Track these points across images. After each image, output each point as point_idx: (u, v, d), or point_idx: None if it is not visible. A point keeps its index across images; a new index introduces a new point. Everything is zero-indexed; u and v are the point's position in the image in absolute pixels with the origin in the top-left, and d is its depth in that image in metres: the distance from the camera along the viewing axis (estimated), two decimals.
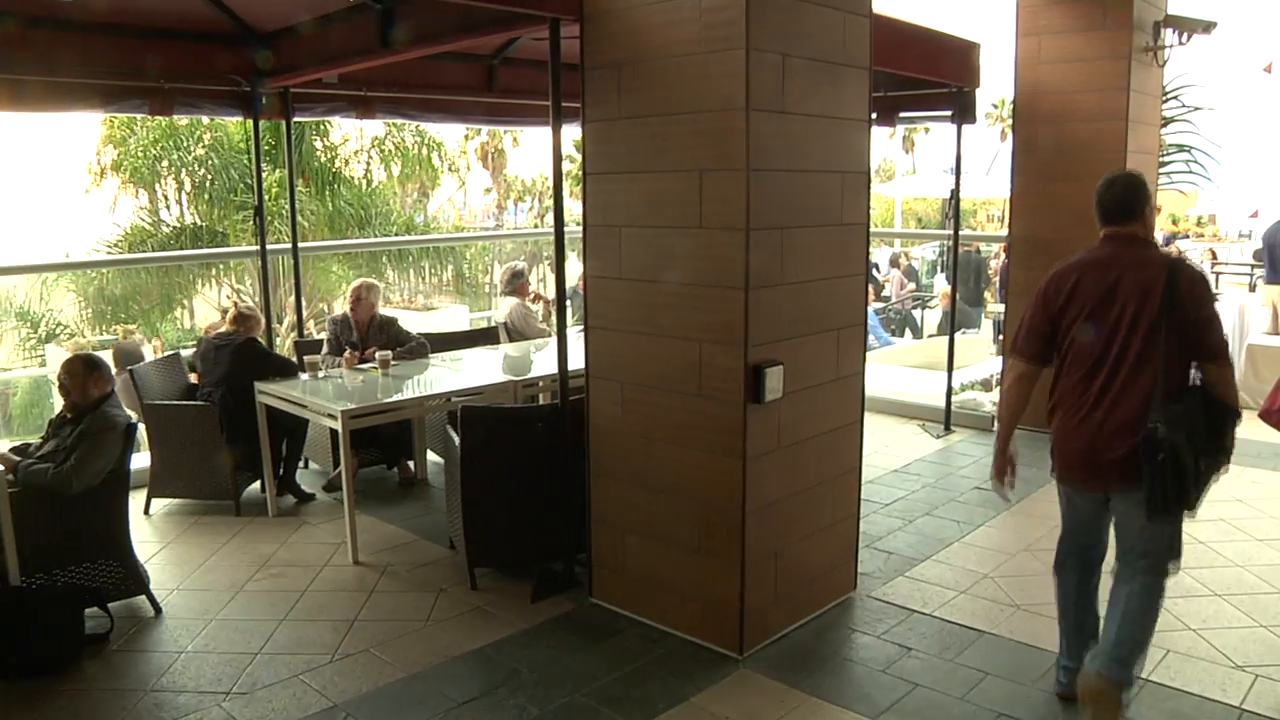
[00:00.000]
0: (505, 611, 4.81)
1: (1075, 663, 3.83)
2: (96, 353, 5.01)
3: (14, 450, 4.88)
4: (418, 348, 6.87)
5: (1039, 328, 3.74)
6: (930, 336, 14.87)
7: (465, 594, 5.02)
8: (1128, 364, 3.49)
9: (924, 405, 8.55)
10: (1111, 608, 3.62)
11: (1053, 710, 3.85)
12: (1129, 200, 3.62)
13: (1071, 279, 3.64)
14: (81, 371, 4.77)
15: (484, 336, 8.03)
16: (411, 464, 6.96)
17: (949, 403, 8.18)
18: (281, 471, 6.42)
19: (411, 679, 4.20)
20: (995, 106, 36.24)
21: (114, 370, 5.00)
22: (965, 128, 7.78)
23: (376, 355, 6.46)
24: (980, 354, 11.88)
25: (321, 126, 17.08)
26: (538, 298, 8.37)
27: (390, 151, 18.94)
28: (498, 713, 3.91)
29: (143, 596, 4.87)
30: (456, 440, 5.01)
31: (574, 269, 6.67)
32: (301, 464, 6.79)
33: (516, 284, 8.16)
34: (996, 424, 3.96)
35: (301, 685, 4.15)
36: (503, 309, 8.28)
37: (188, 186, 17.01)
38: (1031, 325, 3.76)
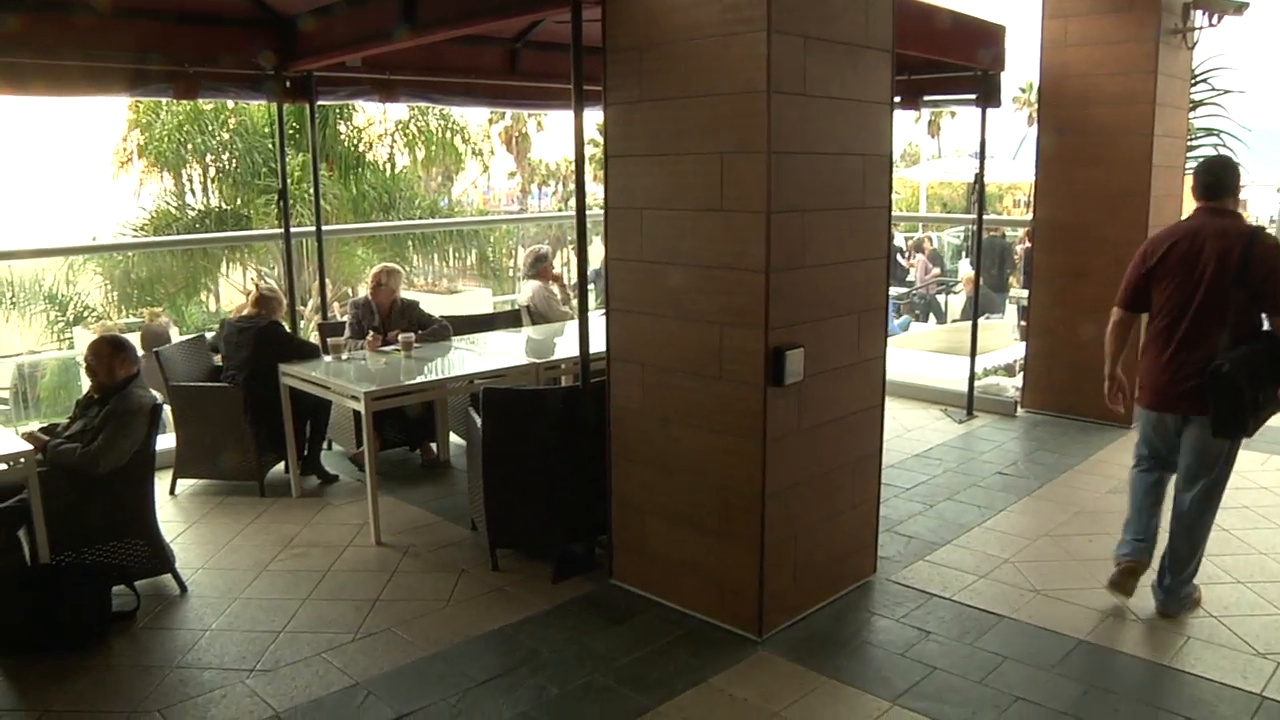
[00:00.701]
0: (526, 592, 4.84)
1: (1134, 536, 4.55)
2: (123, 335, 5.06)
3: (43, 430, 4.94)
4: (440, 330, 6.91)
5: (1135, 282, 4.41)
6: (954, 321, 14.80)
7: (486, 575, 5.05)
8: (1205, 314, 4.16)
9: (947, 390, 8.52)
10: (1173, 518, 4.44)
11: (1071, 695, 3.85)
12: (1222, 179, 4.29)
13: (1166, 243, 4.29)
14: (108, 353, 4.82)
15: (506, 319, 8.06)
16: (434, 446, 7.00)
17: (972, 388, 8.15)
18: (305, 453, 6.47)
19: (432, 658, 4.23)
20: (1023, 90, 35.92)
21: (141, 352, 5.05)
22: (991, 112, 7.72)
23: (399, 338, 6.49)
24: (1004, 339, 11.81)
25: (345, 110, 17.12)
26: (557, 280, 8.37)
27: (414, 135, 18.96)
28: (517, 692, 3.94)
29: (168, 575, 4.93)
30: (478, 422, 5.04)
31: (596, 252, 6.70)
32: (325, 445, 6.84)
33: (539, 267, 8.18)
34: (1106, 360, 4.59)
35: (324, 663, 4.20)
36: (525, 292, 8.29)
37: (212, 171, 17.09)
38: (1129, 280, 4.43)
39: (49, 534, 4.44)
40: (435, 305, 7.72)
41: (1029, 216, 8.73)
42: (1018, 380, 8.69)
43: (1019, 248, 14.35)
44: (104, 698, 3.97)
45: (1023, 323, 10.23)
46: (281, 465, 6.42)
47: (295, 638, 4.43)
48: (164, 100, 15.18)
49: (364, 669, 4.14)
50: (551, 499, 5.11)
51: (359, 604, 4.76)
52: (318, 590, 4.92)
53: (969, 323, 8.78)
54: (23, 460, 4.37)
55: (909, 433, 7.59)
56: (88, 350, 4.93)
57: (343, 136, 17.49)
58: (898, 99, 4.76)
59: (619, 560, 4.89)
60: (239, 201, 16.48)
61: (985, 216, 8.31)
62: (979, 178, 8.26)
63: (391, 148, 18.93)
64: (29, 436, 4.72)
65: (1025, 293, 9.80)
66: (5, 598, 4.31)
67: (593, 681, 4.00)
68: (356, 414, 5.99)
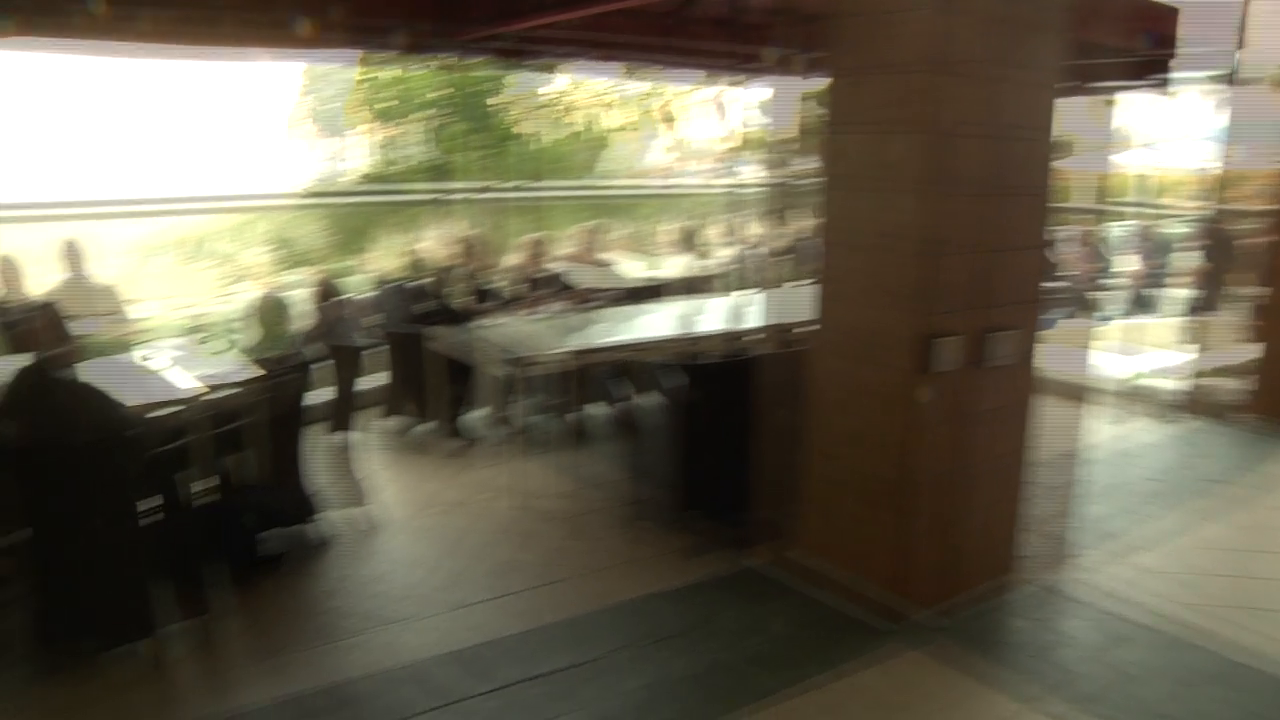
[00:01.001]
0: (666, 565, 4.83)
1: None
2: (299, 290, 5.28)
3: (250, 365, 5.17)
4: (588, 300, 6.94)
5: None
6: (1165, 317, 13.92)
7: (626, 544, 5.08)
8: None
9: (1135, 389, 8.10)
10: None
11: (1206, 712, 3.67)
12: None
13: None
14: (276, 308, 5.04)
15: (657, 291, 8.02)
16: (579, 413, 7.04)
17: (1169, 389, 7.76)
18: (453, 413, 6.62)
19: (567, 623, 4.29)
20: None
21: (319, 305, 5.22)
22: (1176, 97, 7.30)
23: (550, 305, 6.55)
24: (1220, 338, 10.86)
25: (497, 82, 17.31)
26: (706, 254, 8.33)
27: (599, 104, 19.07)
28: (645, 664, 3.96)
29: (319, 523, 5.12)
30: (635, 391, 5.04)
31: (775, 227, 6.65)
32: (473, 407, 6.99)
33: (691, 240, 8.16)
34: None
35: (461, 619, 4.31)
36: (676, 265, 8.28)
37: (384, 134, 17.54)
38: None
39: (210, 476, 4.66)
40: (587, 275, 7.76)
41: (1260, 208, 8.11)
42: (1231, 382, 8.07)
43: (1250, 241, 13.24)
44: (257, 634, 4.19)
45: (1256, 321, 9.34)
46: (429, 424, 6.57)
47: (435, 593, 4.55)
48: (335, 66, 15.64)
49: (499, 628, 4.24)
50: (707, 473, 5.08)
51: (498, 565, 4.85)
52: (460, 548, 5.04)
53: (1175, 320, 8.22)
54: (192, 404, 4.63)
55: (1081, 432, 7.20)
56: (257, 302, 5.13)
57: (499, 105, 17.71)
58: (1070, 82, 4.54)
59: (766, 540, 4.83)
60: (407, 165, 16.89)
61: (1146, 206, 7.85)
62: (1197, 167, 7.78)
63: (575, 116, 19.07)
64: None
65: (1259, 290, 9.02)
66: (166, 535, 4.53)
67: (724, 659, 4.00)
68: (505, 377, 6.08)
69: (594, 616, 4.37)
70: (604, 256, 8.12)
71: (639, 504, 5.17)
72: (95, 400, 3.98)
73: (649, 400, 5.02)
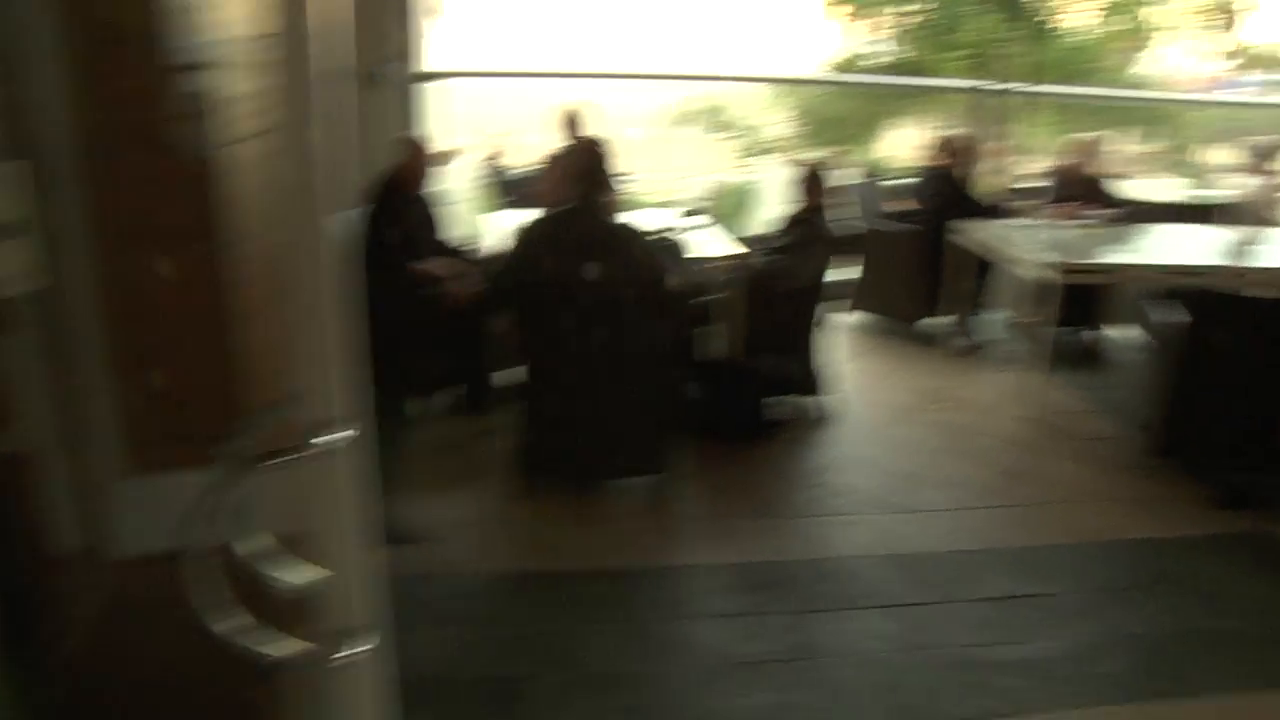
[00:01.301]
0: (1175, 511, 4.39)
1: None
2: (825, 168, 5.30)
3: (754, 240, 5.37)
4: (1132, 213, 6.36)
5: None
6: None
7: (1136, 480, 4.66)
8: None
9: None
10: None
11: None
12: None
13: None
14: (813, 179, 5.09)
15: (1207, 214, 7.22)
16: (1101, 333, 6.55)
17: None
18: (968, 311, 6.41)
19: (1054, 549, 4.08)
20: None
21: (847, 184, 5.24)
22: None
23: (1094, 213, 6.08)
24: None
25: None
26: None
27: (1113, 5, 17.49)
28: (1125, 610, 3.65)
29: (820, 398, 5.20)
30: (1173, 320, 4.59)
31: None
32: (988, 308, 6.69)
33: (1262, 163, 7.18)
34: None
35: (950, 520, 4.23)
36: (1239, 188, 7.35)
37: (905, 23, 17.23)
38: None
39: (728, 336, 4.87)
40: (1126, 188, 7.11)
41: None
42: None
43: None
44: (747, 493, 4.41)
45: None
46: (947, 318, 6.42)
47: (928, 489, 4.49)
48: None
49: (984, 538, 4.11)
50: (1235, 417, 4.55)
51: (995, 474, 4.68)
52: (958, 449, 4.92)
53: None
54: (721, 265, 4.85)
55: None
56: (798, 175, 5.22)
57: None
58: None
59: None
60: (929, 54, 16.49)
61: None
62: None
63: (1087, 16, 17.68)
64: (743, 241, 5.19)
65: None
66: (682, 385, 4.81)
67: (1218, 628, 3.55)
68: (1034, 282, 5.75)
69: (1092, 547, 4.10)
70: (1143, 169, 7.40)
71: (1160, 438, 4.71)
72: (649, 247, 4.25)
73: (1202, 332, 4.50)
